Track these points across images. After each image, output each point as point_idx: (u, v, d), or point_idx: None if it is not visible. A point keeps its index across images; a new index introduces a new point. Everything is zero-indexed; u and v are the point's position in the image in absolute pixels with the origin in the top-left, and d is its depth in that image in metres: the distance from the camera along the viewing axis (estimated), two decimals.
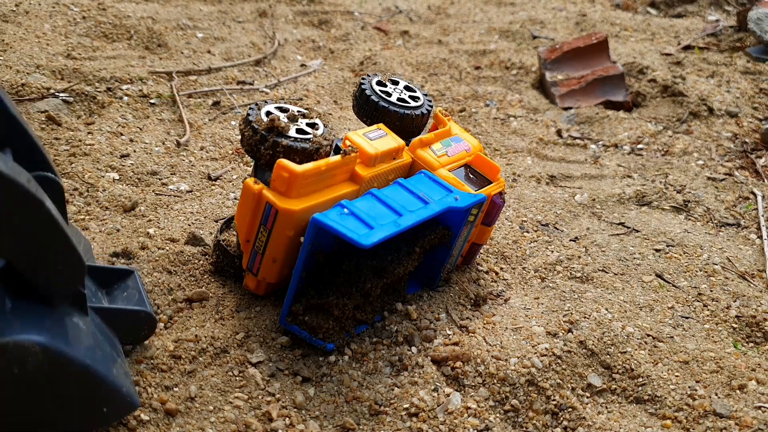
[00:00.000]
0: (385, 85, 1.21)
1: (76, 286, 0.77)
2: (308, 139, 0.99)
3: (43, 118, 1.47)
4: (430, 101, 1.23)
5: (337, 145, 1.09)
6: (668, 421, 0.99)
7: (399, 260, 1.04)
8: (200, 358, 0.97)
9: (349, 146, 1.03)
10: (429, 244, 1.09)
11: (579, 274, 1.30)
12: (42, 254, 0.70)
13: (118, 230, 1.20)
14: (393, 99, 1.17)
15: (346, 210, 0.95)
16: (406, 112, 1.16)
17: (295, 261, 0.98)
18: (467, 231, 1.13)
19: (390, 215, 0.97)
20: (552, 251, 1.37)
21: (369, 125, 1.16)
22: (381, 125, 1.12)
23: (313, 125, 1.03)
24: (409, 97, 1.21)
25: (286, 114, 1.03)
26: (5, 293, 0.71)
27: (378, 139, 1.08)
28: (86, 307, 0.80)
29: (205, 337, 1.00)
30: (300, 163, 0.96)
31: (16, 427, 0.75)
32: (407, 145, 1.16)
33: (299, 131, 1.00)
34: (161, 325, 1.02)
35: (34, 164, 0.82)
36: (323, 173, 0.98)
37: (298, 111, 1.05)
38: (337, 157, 1.00)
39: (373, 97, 1.16)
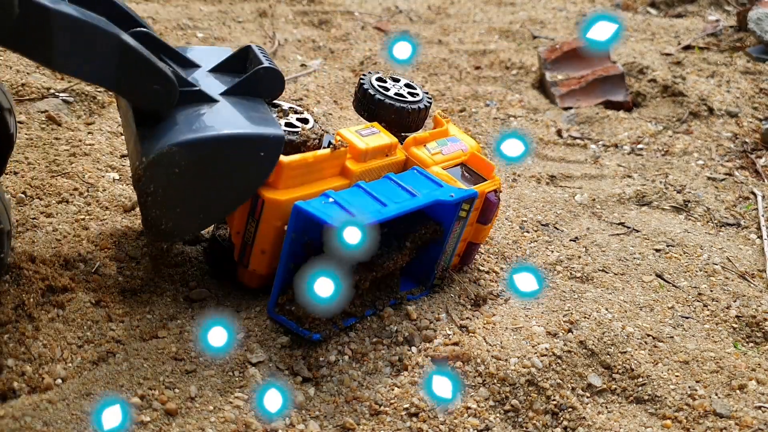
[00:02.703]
0: (385, 81, 1.23)
1: (174, 97, 0.92)
2: (295, 132, 1.01)
3: (43, 118, 1.47)
4: (430, 99, 1.24)
5: (331, 143, 1.11)
6: (668, 421, 0.99)
7: (389, 254, 1.06)
8: (200, 359, 0.97)
9: (339, 141, 1.05)
10: (420, 240, 1.09)
11: (579, 274, 1.30)
12: (132, 78, 0.86)
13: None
14: (390, 93, 1.19)
15: (330, 199, 0.96)
16: (402, 105, 1.18)
17: None
18: (460, 228, 1.13)
19: (374, 205, 0.98)
20: (552, 251, 1.37)
21: (367, 119, 1.18)
22: (375, 124, 1.15)
23: (304, 120, 1.06)
24: (409, 93, 1.22)
25: (277, 109, 1.06)
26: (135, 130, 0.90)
27: (370, 136, 1.10)
28: (208, 96, 0.97)
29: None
30: (288, 155, 0.98)
31: (207, 203, 0.95)
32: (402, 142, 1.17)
33: (288, 125, 1.02)
34: (161, 325, 1.02)
35: (128, 25, 0.96)
36: (311, 165, 1.00)
37: (290, 107, 1.07)
38: (326, 151, 1.02)
39: (370, 90, 1.18)
